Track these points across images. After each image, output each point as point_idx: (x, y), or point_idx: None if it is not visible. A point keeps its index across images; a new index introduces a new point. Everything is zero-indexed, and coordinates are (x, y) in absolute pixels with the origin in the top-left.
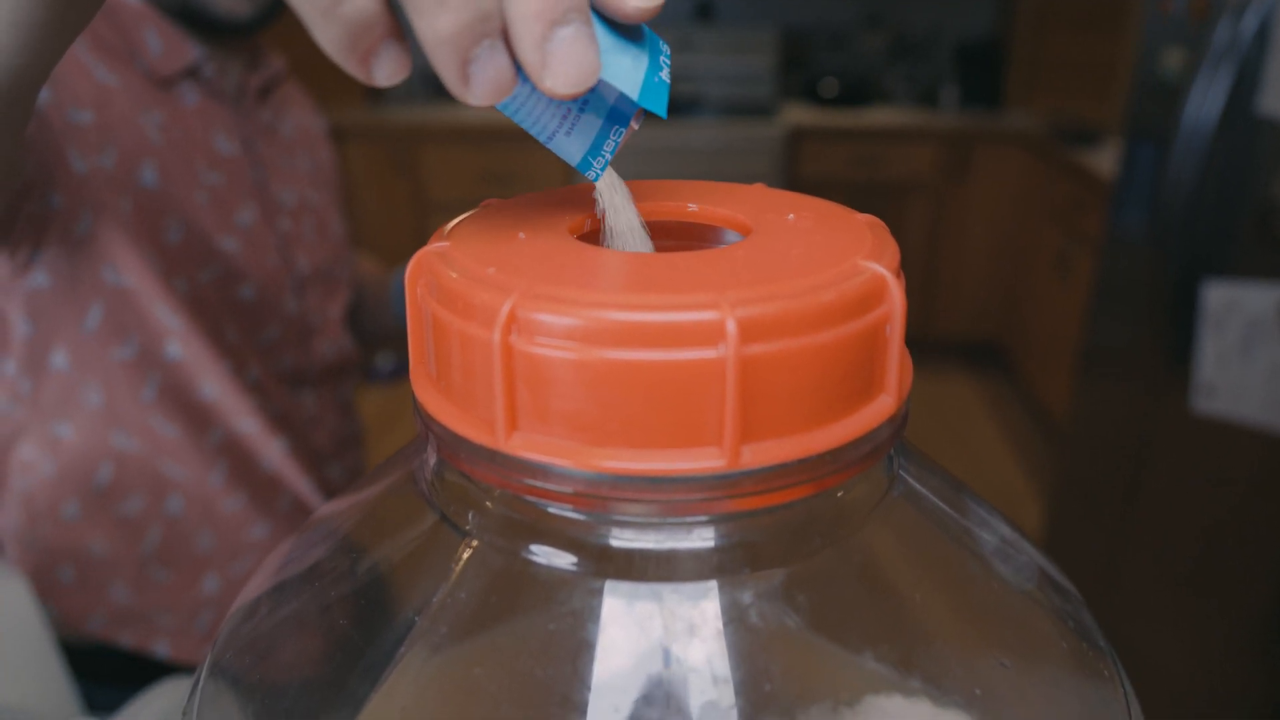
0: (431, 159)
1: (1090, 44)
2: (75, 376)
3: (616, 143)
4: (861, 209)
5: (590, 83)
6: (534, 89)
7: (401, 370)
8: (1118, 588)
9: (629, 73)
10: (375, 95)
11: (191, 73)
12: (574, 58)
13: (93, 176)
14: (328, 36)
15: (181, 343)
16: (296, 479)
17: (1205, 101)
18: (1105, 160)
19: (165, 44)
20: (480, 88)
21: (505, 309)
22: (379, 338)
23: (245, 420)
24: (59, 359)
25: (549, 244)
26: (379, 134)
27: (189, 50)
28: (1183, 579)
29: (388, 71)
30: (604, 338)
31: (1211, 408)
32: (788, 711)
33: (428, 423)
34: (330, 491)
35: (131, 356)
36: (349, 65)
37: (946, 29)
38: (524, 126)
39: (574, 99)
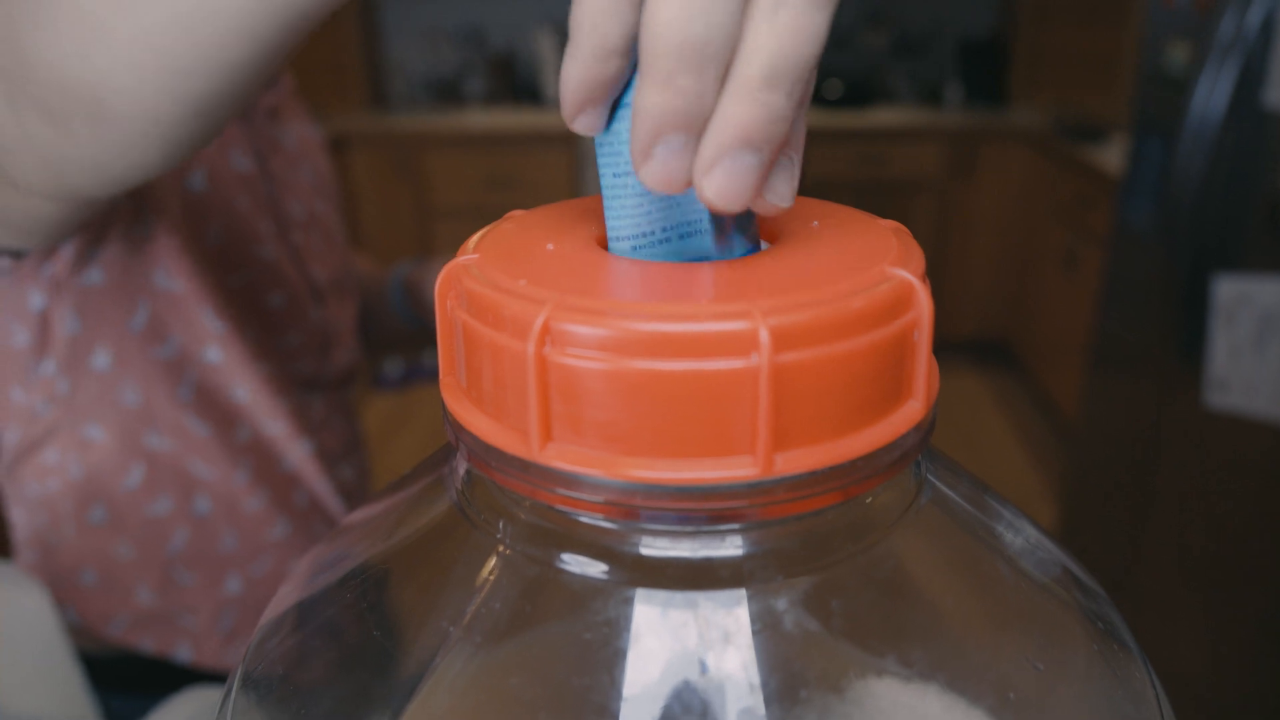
0: (435, 165)
1: (1093, 38)
2: (115, 376)
3: None
4: (868, 209)
5: (734, 209)
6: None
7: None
8: (1131, 583)
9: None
10: (379, 101)
11: None
12: (740, 181)
13: (153, 178)
14: (572, 73)
15: (221, 346)
16: (314, 478)
17: (1211, 95)
18: (1111, 155)
19: None
20: (655, 171)
21: (539, 321)
22: (383, 340)
23: (273, 422)
24: (101, 359)
25: (578, 255)
26: (383, 140)
27: None
28: (1196, 574)
29: (590, 126)
30: (637, 348)
31: (1224, 403)
32: (822, 717)
33: (458, 432)
34: (344, 491)
35: (171, 356)
36: (571, 100)
37: (948, 26)
38: (625, 210)
39: (687, 222)
